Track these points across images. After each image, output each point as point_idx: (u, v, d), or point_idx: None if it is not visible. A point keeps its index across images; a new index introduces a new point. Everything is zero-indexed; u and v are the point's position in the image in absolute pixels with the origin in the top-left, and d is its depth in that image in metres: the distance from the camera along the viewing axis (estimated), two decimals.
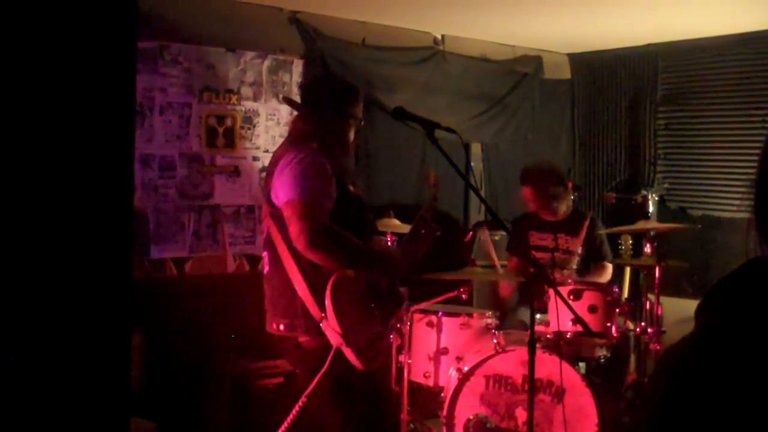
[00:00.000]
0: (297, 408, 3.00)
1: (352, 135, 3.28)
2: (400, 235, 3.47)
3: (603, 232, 5.00)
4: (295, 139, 3.15)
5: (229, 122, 4.82)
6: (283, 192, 2.96)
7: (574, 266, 4.92)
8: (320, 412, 3.06)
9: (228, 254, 4.80)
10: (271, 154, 4.95)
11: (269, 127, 4.96)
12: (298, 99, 3.64)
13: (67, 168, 1.30)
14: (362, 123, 3.34)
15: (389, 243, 3.47)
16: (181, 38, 4.58)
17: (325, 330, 2.93)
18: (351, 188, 3.13)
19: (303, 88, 3.43)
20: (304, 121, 3.21)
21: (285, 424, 3.04)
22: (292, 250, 2.96)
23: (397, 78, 5.49)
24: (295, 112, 3.48)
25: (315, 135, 3.11)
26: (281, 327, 3.05)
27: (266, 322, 3.15)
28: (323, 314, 2.92)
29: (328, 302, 2.91)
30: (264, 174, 3.33)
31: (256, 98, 4.91)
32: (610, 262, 5.03)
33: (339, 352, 2.94)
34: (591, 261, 5.01)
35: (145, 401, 4.09)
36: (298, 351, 3.06)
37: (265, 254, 3.17)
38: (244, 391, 4.30)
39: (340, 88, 3.35)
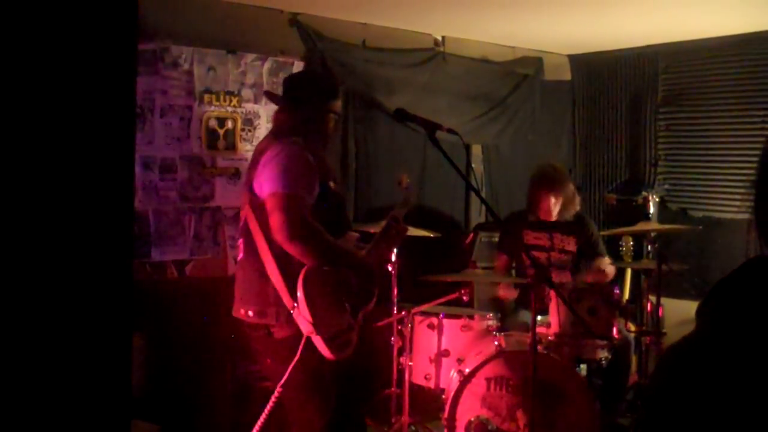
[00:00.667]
0: (273, 399, 3.06)
1: (331, 129, 3.35)
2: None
3: (594, 227, 5.03)
4: (279, 132, 3.22)
5: (229, 124, 4.82)
6: (267, 184, 3.02)
7: (570, 266, 4.91)
8: (295, 401, 3.14)
9: (228, 256, 4.80)
10: None
11: (270, 129, 4.96)
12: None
13: (67, 170, 1.30)
14: (339, 117, 3.46)
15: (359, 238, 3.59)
16: (181, 40, 4.59)
17: (296, 318, 3.00)
18: (331, 184, 3.19)
19: (285, 82, 3.48)
20: (287, 115, 3.28)
21: (262, 417, 3.10)
22: (269, 240, 3.02)
23: (397, 79, 5.49)
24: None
25: (298, 129, 3.18)
26: (250, 313, 3.12)
27: (233, 307, 3.22)
28: (295, 303, 2.98)
29: (300, 291, 2.96)
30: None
31: (256, 100, 4.91)
32: (609, 259, 5.03)
33: (309, 342, 3.01)
34: (587, 259, 4.98)
35: (147, 404, 4.09)
36: (268, 340, 3.12)
37: (240, 241, 3.23)
38: (246, 393, 4.30)
39: (320, 84, 3.44)
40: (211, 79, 4.73)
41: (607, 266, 4.94)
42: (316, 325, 2.97)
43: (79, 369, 1.28)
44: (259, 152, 3.17)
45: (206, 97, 4.72)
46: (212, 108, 4.74)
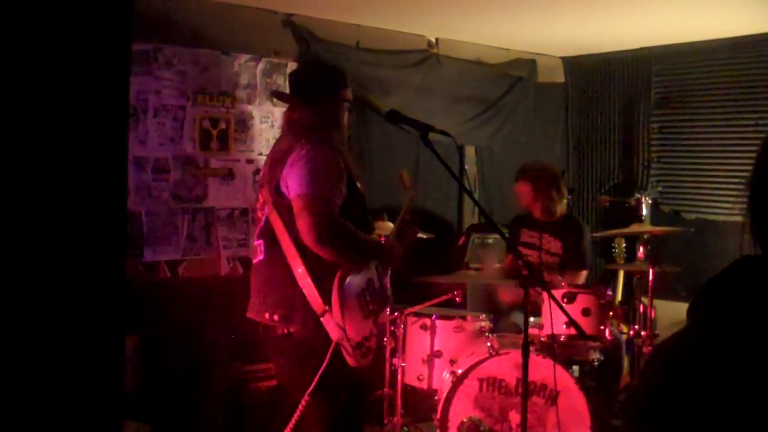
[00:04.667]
0: (301, 408, 2.91)
1: (346, 119, 3.23)
2: None
3: (588, 240, 4.94)
4: (301, 131, 3.05)
5: (223, 125, 4.82)
6: (295, 185, 2.90)
7: (557, 268, 4.89)
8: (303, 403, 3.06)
9: (221, 257, 4.79)
10: (265, 157, 4.99)
11: (263, 129, 4.96)
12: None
13: (61, 170, 1.30)
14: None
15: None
16: (175, 41, 4.58)
17: (326, 323, 2.87)
18: (358, 185, 3.07)
19: (294, 77, 3.32)
20: (303, 112, 3.11)
21: (291, 424, 2.98)
22: (296, 242, 2.89)
23: (391, 81, 5.49)
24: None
25: (319, 126, 3.05)
26: (275, 317, 2.96)
27: (252, 310, 3.07)
28: (327, 307, 2.87)
29: (335, 296, 2.85)
30: (263, 167, 3.27)
31: (250, 101, 4.91)
32: (587, 270, 4.94)
33: (335, 348, 2.89)
34: (569, 266, 4.90)
35: (139, 404, 4.08)
36: (287, 340, 2.98)
37: (259, 243, 3.08)
38: (238, 393, 4.30)
39: (330, 74, 3.27)
40: (205, 79, 4.73)
41: (580, 275, 4.85)
42: (347, 331, 2.87)
43: (72, 369, 1.28)
44: (282, 152, 3.01)
45: (200, 97, 4.71)
46: (206, 108, 4.74)
